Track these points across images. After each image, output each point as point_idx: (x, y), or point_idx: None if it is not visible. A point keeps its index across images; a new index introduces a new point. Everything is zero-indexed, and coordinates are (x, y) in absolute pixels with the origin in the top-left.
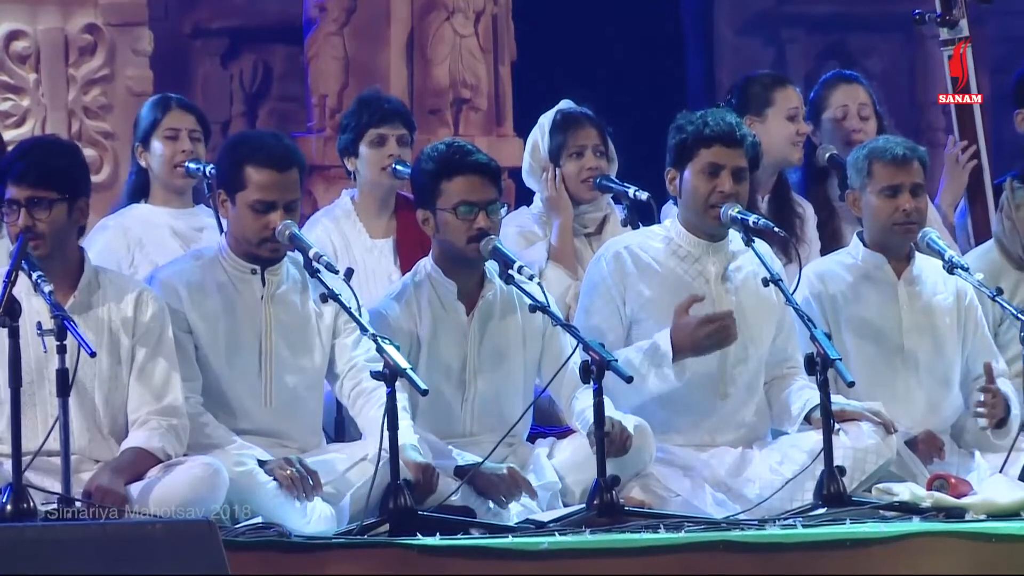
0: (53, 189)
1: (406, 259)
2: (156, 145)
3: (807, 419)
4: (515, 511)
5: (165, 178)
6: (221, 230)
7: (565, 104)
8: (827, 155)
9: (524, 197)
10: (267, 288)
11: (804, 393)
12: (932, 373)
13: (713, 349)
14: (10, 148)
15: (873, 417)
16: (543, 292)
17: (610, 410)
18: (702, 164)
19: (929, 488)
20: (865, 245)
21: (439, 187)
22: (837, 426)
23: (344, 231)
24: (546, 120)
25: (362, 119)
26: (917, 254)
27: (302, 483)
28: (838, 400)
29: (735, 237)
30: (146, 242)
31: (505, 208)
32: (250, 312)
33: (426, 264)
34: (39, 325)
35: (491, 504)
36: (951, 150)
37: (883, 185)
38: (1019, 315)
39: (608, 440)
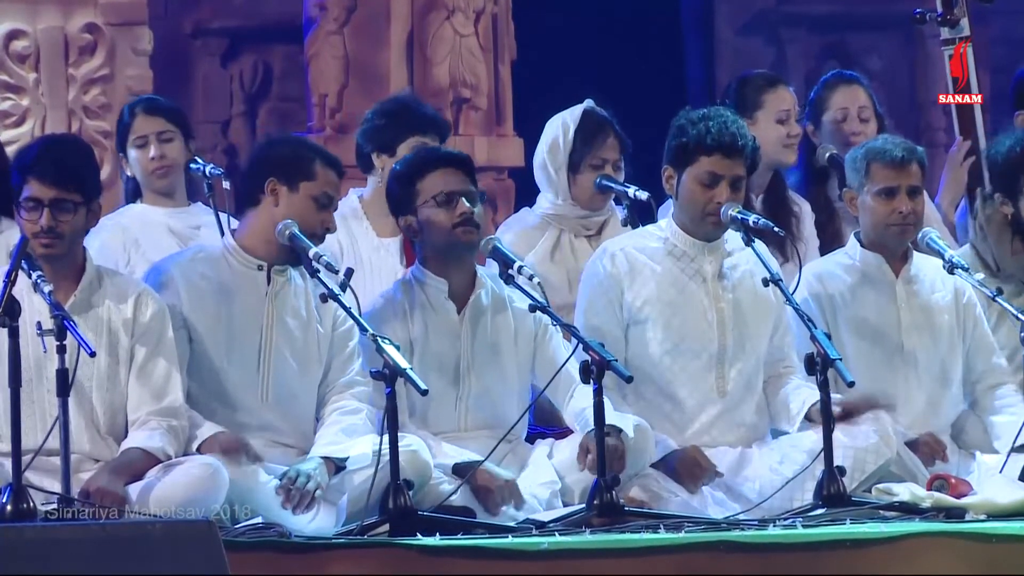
0: (77, 191)
1: (412, 258)
2: (131, 154)
3: (807, 417)
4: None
5: (146, 183)
6: (222, 232)
7: (589, 105)
8: (827, 155)
9: (525, 197)
10: (272, 286)
11: (802, 392)
12: (931, 372)
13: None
14: (9, 148)
15: (873, 404)
16: (543, 292)
17: (610, 412)
18: (700, 172)
19: (929, 488)
20: (862, 245)
21: (415, 188)
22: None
23: (351, 229)
24: (571, 120)
25: (410, 121)
26: (915, 253)
27: (238, 449)
28: (836, 398)
29: (732, 236)
30: (142, 241)
31: (483, 198)
32: (252, 308)
33: (412, 271)
34: (39, 325)
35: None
36: (956, 151)
37: (881, 187)
38: (1019, 315)
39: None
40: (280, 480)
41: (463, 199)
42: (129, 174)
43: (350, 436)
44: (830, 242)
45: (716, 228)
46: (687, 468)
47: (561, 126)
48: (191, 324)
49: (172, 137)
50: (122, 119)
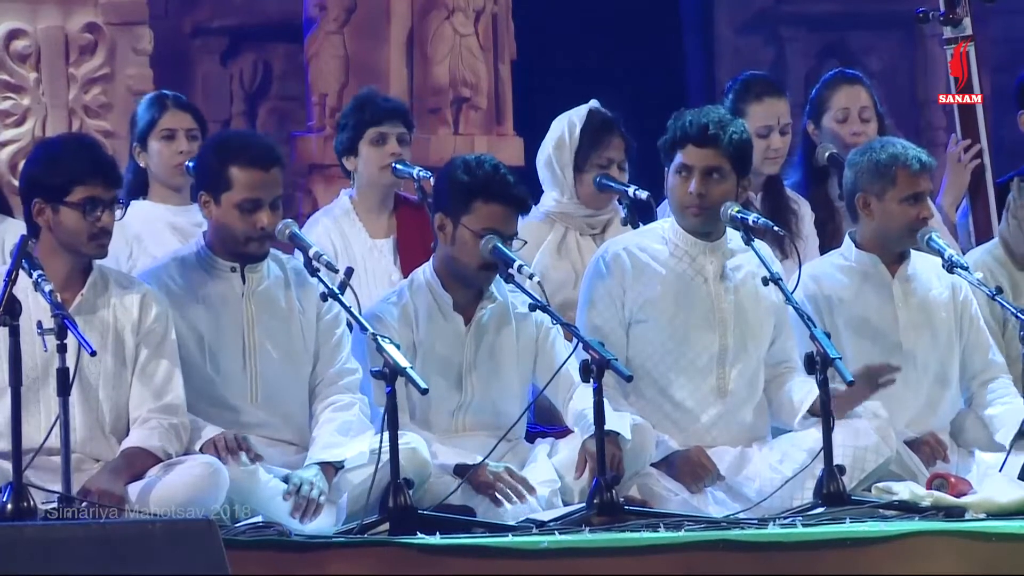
0: (120, 188)
1: (406, 259)
2: (153, 146)
3: (810, 412)
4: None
5: (164, 178)
6: None
7: (594, 105)
8: (827, 154)
9: None
10: (248, 285)
11: (805, 385)
12: (930, 370)
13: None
14: (8, 147)
15: (874, 381)
16: (543, 291)
17: (610, 413)
18: (676, 164)
19: (929, 487)
20: (857, 245)
21: (472, 204)
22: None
23: (344, 230)
24: (578, 119)
25: (362, 118)
26: (911, 252)
27: (227, 450)
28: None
29: (734, 236)
30: (144, 237)
31: (523, 245)
32: (232, 310)
33: (425, 271)
34: (39, 324)
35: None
36: (953, 149)
37: (909, 193)
38: (1019, 314)
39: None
40: (285, 488)
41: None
42: (143, 165)
43: (345, 434)
44: (830, 241)
45: (698, 220)
46: (690, 468)
47: (567, 125)
48: (175, 331)
49: (197, 136)
50: (148, 111)
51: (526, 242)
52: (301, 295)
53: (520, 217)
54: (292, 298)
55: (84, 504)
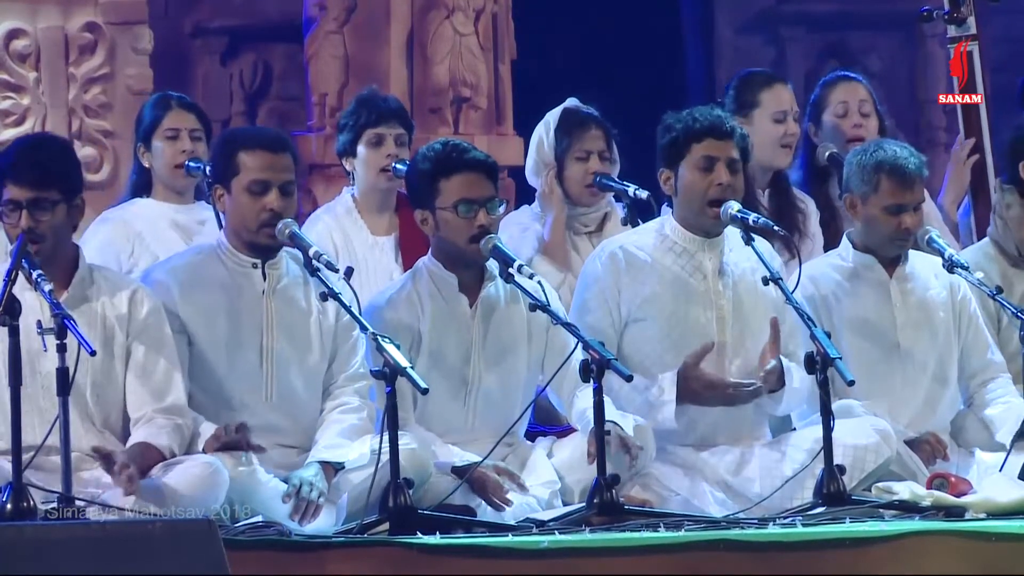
0: (55, 189)
1: (408, 256)
2: (157, 145)
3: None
4: (516, 502)
5: (167, 178)
6: (220, 225)
7: (572, 103)
8: (827, 153)
9: (525, 196)
10: (268, 282)
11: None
12: (928, 370)
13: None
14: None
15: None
16: (543, 290)
17: (611, 411)
18: (696, 159)
19: (929, 487)
20: (854, 246)
21: (437, 186)
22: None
23: (345, 228)
24: (552, 119)
25: (359, 119)
26: (909, 251)
27: (226, 443)
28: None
29: (732, 232)
30: (146, 235)
31: (504, 205)
32: (251, 307)
33: (425, 260)
34: (39, 324)
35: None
36: (958, 148)
37: (889, 203)
38: (1019, 314)
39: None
40: (286, 489)
41: (483, 210)
42: (147, 165)
43: (349, 438)
44: (832, 240)
45: (718, 219)
46: (707, 389)
47: (544, 127)
48: (189, 328)
49: (200, 137)
50: (152, 110)
51: (507, 201)
52: (319, 296)
53: (490, 180)
54: (311, 297)
55: (102, 463)
